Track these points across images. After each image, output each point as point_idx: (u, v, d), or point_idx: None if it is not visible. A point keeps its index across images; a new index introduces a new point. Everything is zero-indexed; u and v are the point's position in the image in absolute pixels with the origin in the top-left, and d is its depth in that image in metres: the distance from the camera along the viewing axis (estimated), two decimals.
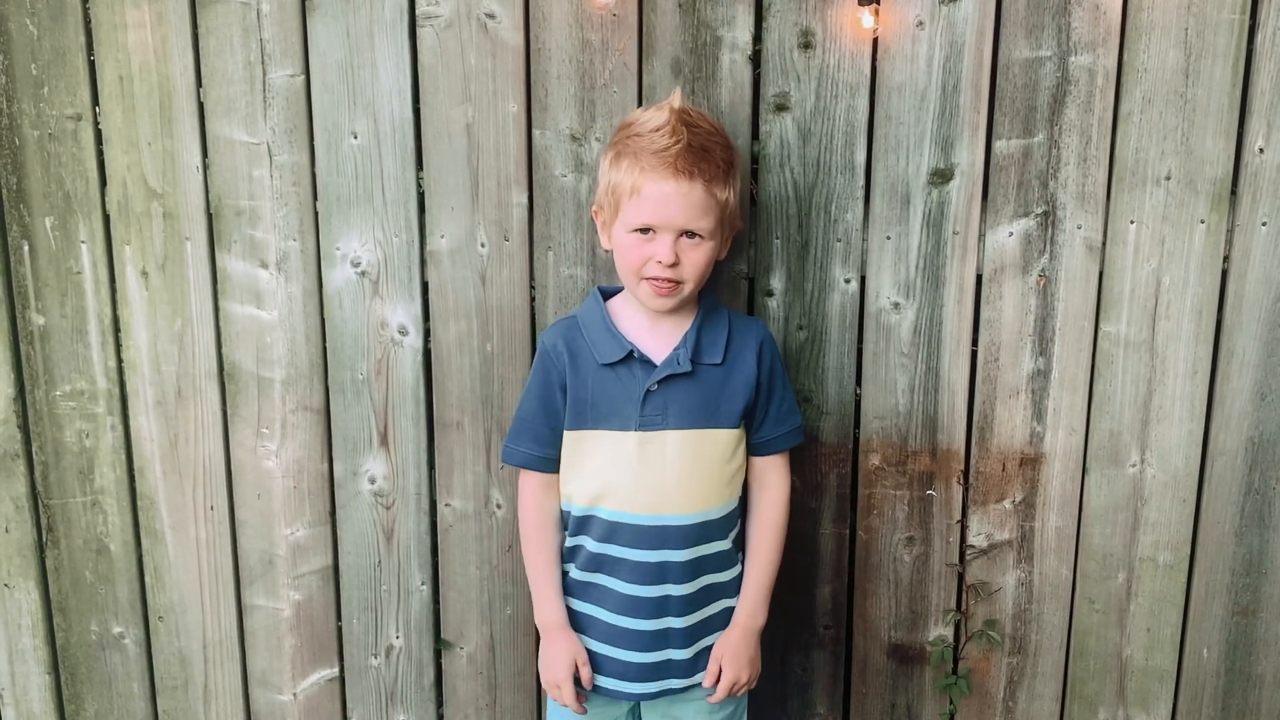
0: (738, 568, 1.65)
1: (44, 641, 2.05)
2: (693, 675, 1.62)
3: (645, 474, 1.55)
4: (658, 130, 1.48)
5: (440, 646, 1.97)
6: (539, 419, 1.61)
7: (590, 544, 1.60)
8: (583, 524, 1.60)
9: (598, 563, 1.60)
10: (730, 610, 1.63)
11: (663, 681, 1.61)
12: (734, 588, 1.64)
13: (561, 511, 1.64)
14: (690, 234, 1.50)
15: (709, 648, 1.62)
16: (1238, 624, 1.80)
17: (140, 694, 2.06)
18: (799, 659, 1.90)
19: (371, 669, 1.99)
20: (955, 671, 1.87)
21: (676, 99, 1.53)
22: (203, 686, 2.03)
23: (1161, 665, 1.83)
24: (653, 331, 1.58)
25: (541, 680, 1.65)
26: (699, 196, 1.48)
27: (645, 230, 1.49)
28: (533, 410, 1.62)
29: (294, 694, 2.01)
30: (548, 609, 1.63)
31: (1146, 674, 1.84)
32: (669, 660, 1.61)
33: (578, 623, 1.63)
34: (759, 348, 1.61)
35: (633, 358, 1.56)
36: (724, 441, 1.58)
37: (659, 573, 1.57)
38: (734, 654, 1.61)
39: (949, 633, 1.86)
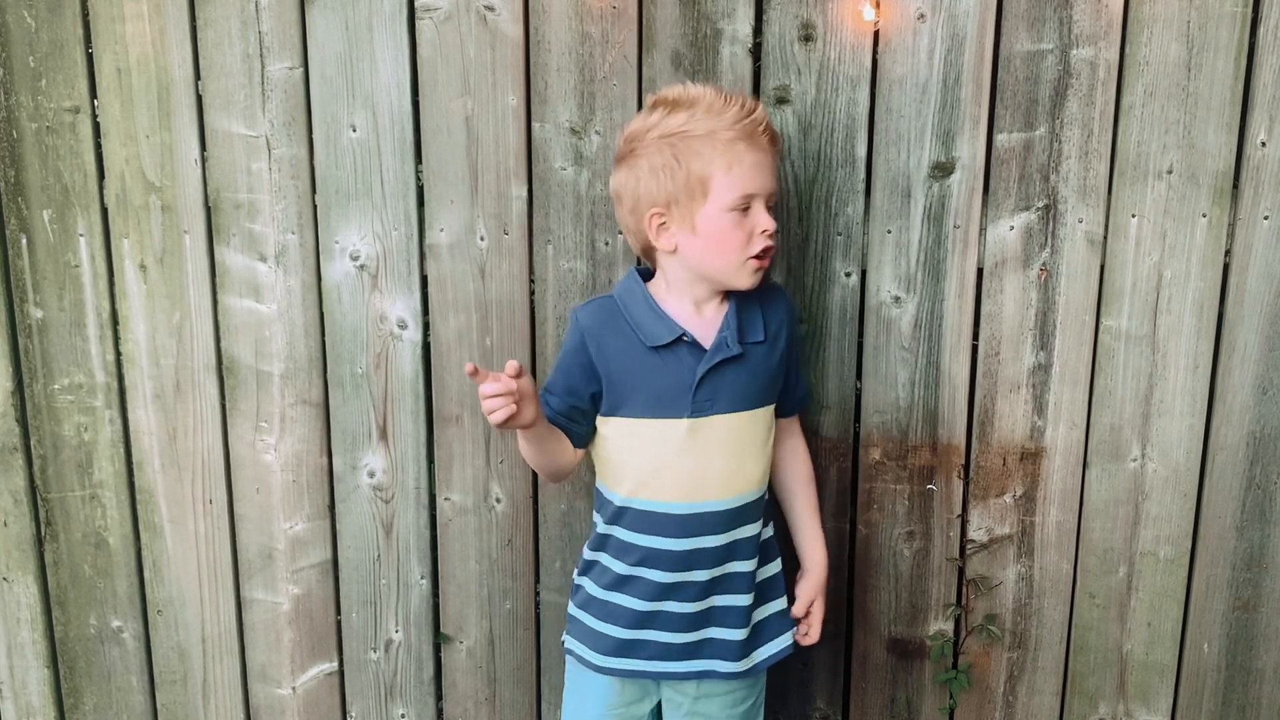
0: (765, 559, 1.63)
1: (43, 635, 2.05)
2: (707, 659, 1.59)
3: (690, 461, 1.52)
4: (726, 106, 1.45)
5: (440, 640, 1.96)
6: (561, 393, 1.55)
7: (624, 534, 1.55)
8: (620, 514, 1.56)
9: (643, 556, 1.55)
10: (744, 606, 1.59)
11: (704, 661, 1.59)
12: (752, 580, 1.61)
13: (600, 491, 1.60)
14: (771, 205, 1.49)
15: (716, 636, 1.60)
16: (1238, 619, 1.80)
17: (139, 688, 2.06)
18: (798, 653, 1.90)
19: (371, 663, 1.99)
20: (955, 666, 1.87)
21: (696, 86, 1.48)
22: (202, 680, 2.03)
23: (1162, 660, 1.83)
24: (698, 316, 1.53)
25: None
26: (777, 163, 1.51)
27: (743, 208, 1.45)
28: (563, 364, 1.56)
29: (293, 688, 2.01)
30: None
31: (1147, 669, 1.83)
32: (709, 639, 1.58)
33: (609, 612, 1.58)
34: (789, 316, 1.60)
35: (683, 341, 1.51)
36: (764, 419, 1.57)
37: (691, 560, 1.54)
38: (822, 591, 1.67)
39: (949, 627, 1.86)
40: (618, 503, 1.56)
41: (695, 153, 1.43)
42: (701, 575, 1.54)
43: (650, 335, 1.50)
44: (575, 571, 1.66)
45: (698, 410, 1.50)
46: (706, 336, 1.52)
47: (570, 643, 1.65)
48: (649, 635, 1.57)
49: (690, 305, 1.53)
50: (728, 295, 1.54)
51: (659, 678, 1.62)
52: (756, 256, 1.47)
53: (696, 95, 1.46)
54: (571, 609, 1.65)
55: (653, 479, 1.52)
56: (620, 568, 1.57)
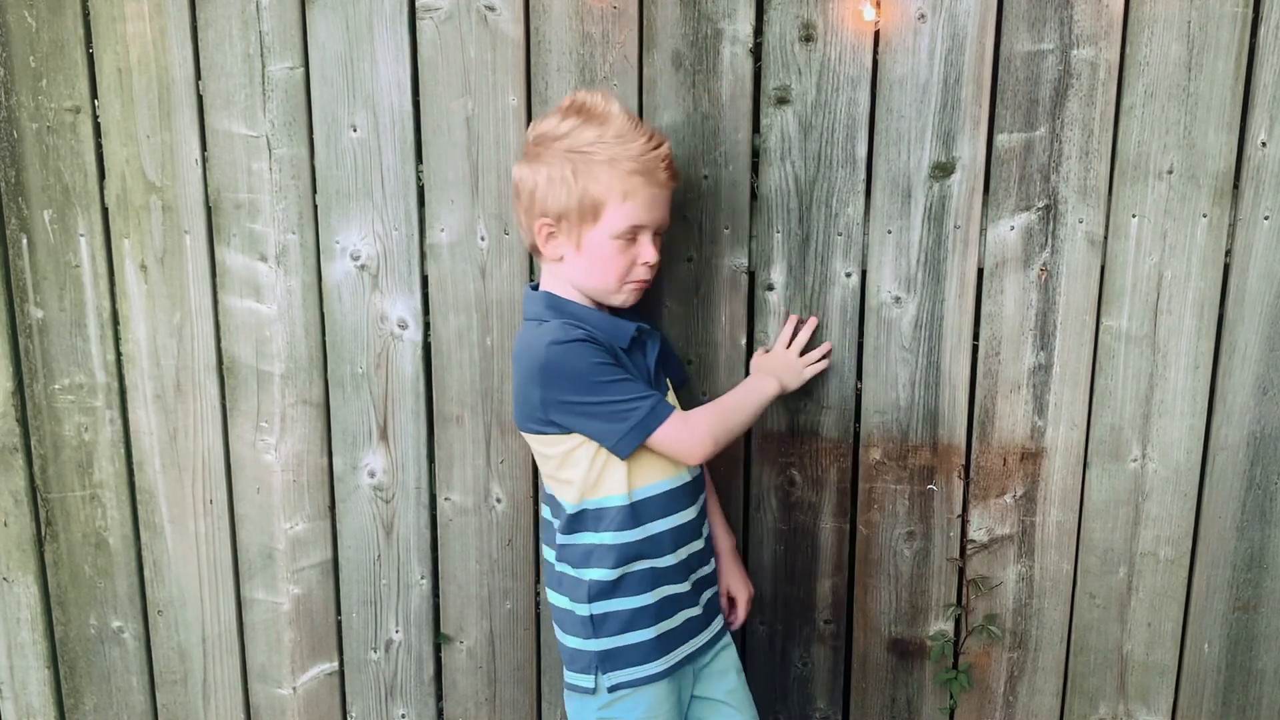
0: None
1: (43, 636, 2.05)
2: (710, 626, 1.66)
3: None
4: (635, 137, 1.48)
5: (440, 641, 1.96)
6: (627, 377, 1.51)
7: (660, 524, 1.55)
8: (645, 506, 1.54)
9: (678, 537, 1.57)
10: (713, 569, 1.68)
11: (712, 624, 1.66)
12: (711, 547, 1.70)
13: (593, 511, 1.55)
14: (656, 232, 1.55)
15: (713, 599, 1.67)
16: (1239, 619, 1.80)
17: (139, 688, 2.05)
18: (799, 653, 1.90)
19: (371, 663, 1.99)
20: (956, 666, 1.87)
21: (615, 104, 1.50)
22: (202, 681, 2.03)
23: (1162, 660, 1.83)
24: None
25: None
26: (670, 196, 1.55)
27: (630, 237, 1.51)
28: (616, 378, 1.50)
29: (293, 688, 2.01)
30: (760, 383, 1.67)
31: (1147, 669, 1.83)
32: (705, 604, 1.64)
33: (642, 615, 1.55)
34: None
35: (640, 334, 1.58)
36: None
37: (689, 531, 1.60)
38: (738, 575, 1.77)
39: (949, 627, 1.86)
40: (623, 503, 1.53)
41: (594, 176, 1.48)
42: (698, 544, 1.62)
43: (619, 337, 1.55)
44: (571, 601, 1.57)
45: (661, 391, 1.58)
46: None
47: (615, 677, 1.56)
48: (677, 619, 1.59)
49: (602, 306, 1.60)
50: None
51: (695, 656, 1.63)
52: (635, 281, 1.54)
53: (610, 115, 1.49)
54: (604, 643, 1.56)
55: (653, 464, 1.54)
56: (641, 565, 1.55)
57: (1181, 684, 1.84)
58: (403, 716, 2.00)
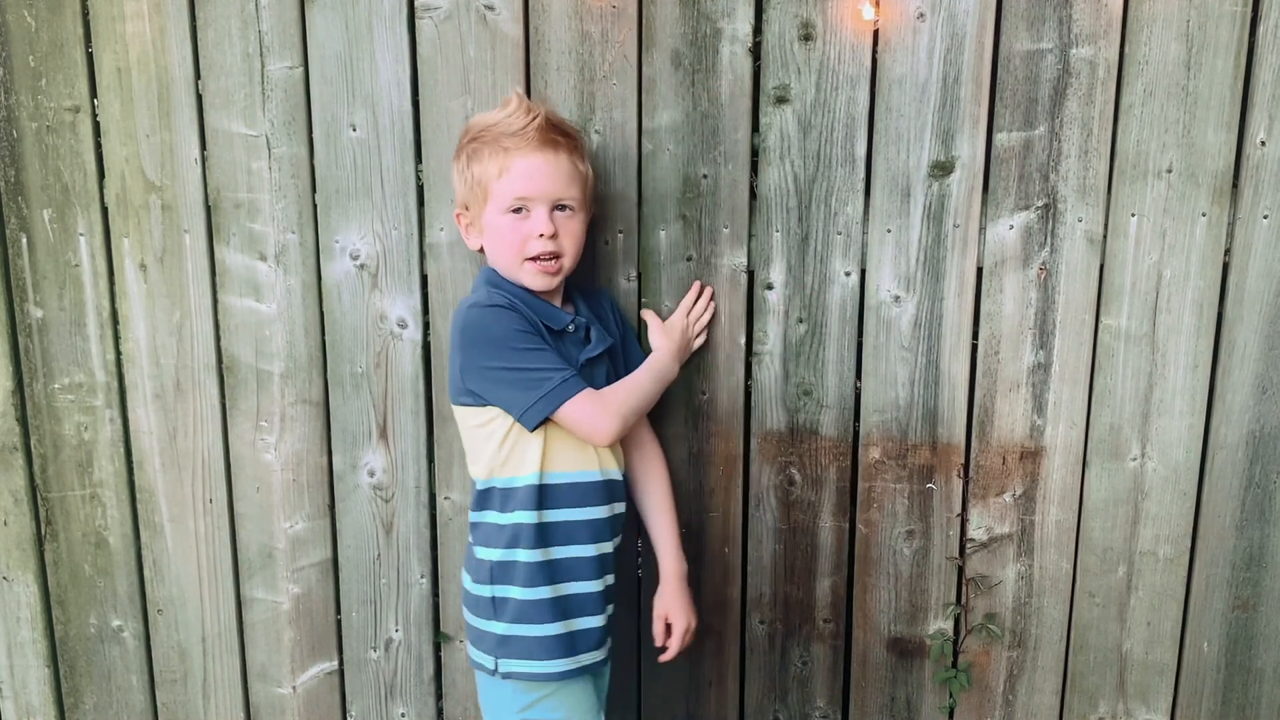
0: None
1: (43, 634, 2.05)
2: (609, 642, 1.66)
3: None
4: (511, 115, 1.53)
5: (440, 640, 1.96)
6: (545, 348, 1.52)
7: (558, 514, 1.55)
8: (551, 493, 1.55)
9: (569, 533, 1.56)
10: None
11: (607, 645, 1.66)
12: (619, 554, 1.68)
13: (501, 490, 1.57)
14: (561, 206, 1.55)
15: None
16: (1238, 618, 1.80)
17: (139, 687, 2.06)
18: (798, 652, 1.90)
19: (371, 662, 1.99)
20: (955, 665, 1.87)
21: (516, 96, 1.56)
22: (202, 679, 2.04)
23: (1162, 659, 1.83)
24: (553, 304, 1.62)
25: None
26: (565, 166, 1.55)
27: (518, 210, 1.53)
28: (533, 346, 1.51)
29: (293, 687, 2.02)
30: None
31: (1147, 668, 1.83)
32: (609, 621, 1.65)
33: (545, 611, 1.56)
34: (613, 309, 1.73)
35: (568, 331, 1.59)
36: None
37: (611, 528, 1.62)
38: (680, 604, 1.69)
39: (949, 626, 1.86)
40: (532, 482, 1.53)
41: (480, 159, 1.54)
42: (608, 547, 1.61)
43: (554, 320, 1.57)
44: (473, 581, 1.60)
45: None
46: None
47: (511, 665, 1.57)
48: (583, 622, 1.59)
49: (541, 296, 1.60)
50: (569, 294, 1.65)
51: (598, 668, 1.64)
52: (536, 259, 1.54)
53: (507, 103, 1.55)
54: (503, 628, 1.57)
55: (567, 451, 1.55)
56: (538, 555, 1.55)
57: (1181, 683, 1.84)
58: (402, 716, 2.00)
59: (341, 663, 2.00)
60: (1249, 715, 1.84)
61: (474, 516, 1.62)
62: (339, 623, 1.98)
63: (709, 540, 1.86)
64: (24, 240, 1.87)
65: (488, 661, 1.59)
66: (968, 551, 1.82)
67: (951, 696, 1.89)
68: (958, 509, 1.81)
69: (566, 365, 1.53)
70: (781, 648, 1.90)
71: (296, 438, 1.90)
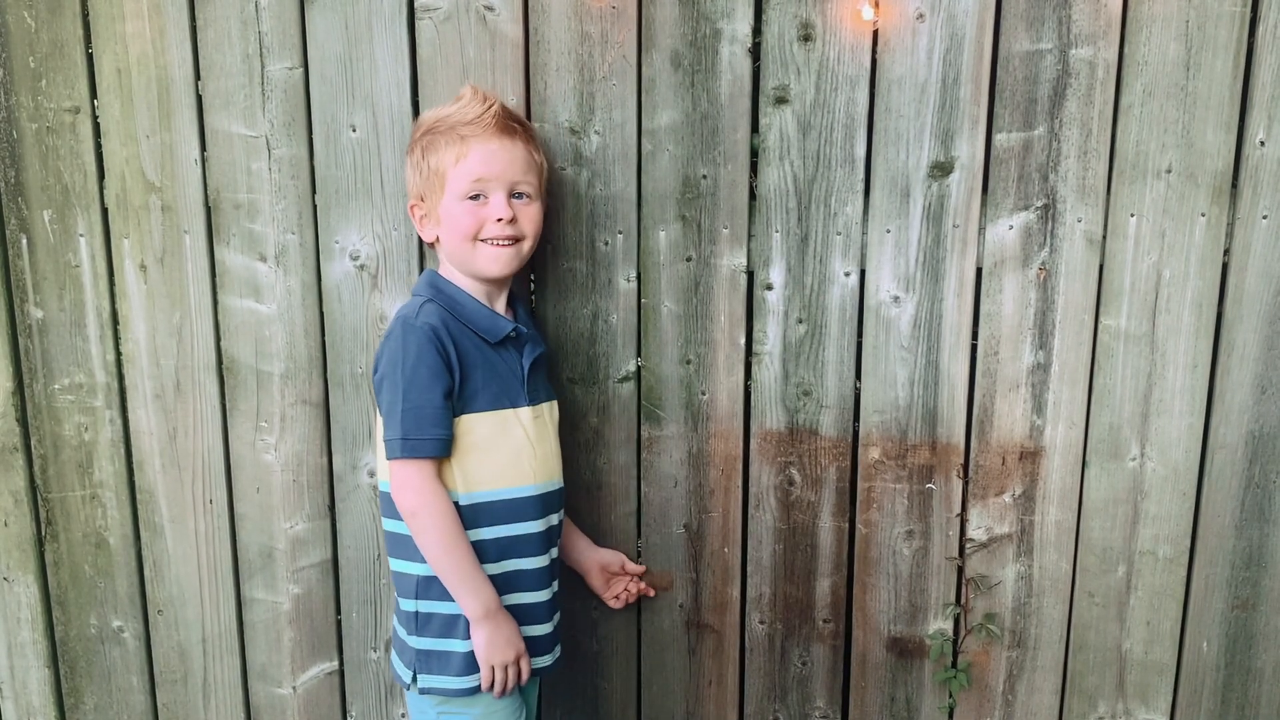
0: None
1: (43, 635, 2.05)
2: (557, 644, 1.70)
3: (541, 445, 1.61)
4: (467, 105, 1.56)
5: None
6: (439, 402, 1.51)
7: (490, 531, 1.56)
8: (481, 511, 1.55)
9: (505, 548, 1.58)
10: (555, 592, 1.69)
11: (557, 649, 1.69)
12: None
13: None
14: (519, 194, 1.57)
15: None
16: (1237, 618, 1.80)
17: (140, 687, 2.06)
18: (798, 652, 1.90)
19: (371, 662, 1.99)
20: (955, 665, 1.87)
21: (469, 88, 1.59)
22: (202, 680, 2.04)
23: (1161, 659, 1.83)
24: (496, 310, 1.63)
25: (493, 665, 1.55)
26: (522, 154, 1.58)
27: (476, 197, 1.55)
28: (430, 392, 1.50)
29: (293, 687, 2.02)
30: (487, 592, 1.54)
31: (1146, 667, 1.84)
32: (556, 628, 1.68)
33: (447, 625, 1.57)
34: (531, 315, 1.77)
35: (514, 335, 1.60)
36: (558, 411, 1.72)
37: (548, 540, 1.64)
38: (604, 549, 1.84)
39: (948, 626, 1.86)
40: (478, 499, 1.55)
41: (435, 149, 1.55)
42: (546, 560, 1.63)
43: (490, 331, 1.58)
44: (398, 595, 1.62)
45: (532, 399, 1.60)
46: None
47: (427, 680, 1.58)
48: (530, 630, 1.61)
49: (484, 298, 1.61)
50: (511, 295, 1.65)
51: (545, 671, 1.68)
52: (489, 239, 1.55)
53: (460, 96, 1.58)
54: (425, 642, 1.58)
55: (515, 466, 1.57)
56: (496, 568, 1.58)
57: (1180, 682, 1.84)
58: (402, 716, 2.00)
59: (341, 663, 2.00)
60: (1248, 715, 1.84)
61: (394, 526, 1.59)
62: (339, 623, 1.98)
63: (709, 540, 1.86)
64: (24, 241, 1.87)
65: (405, 675, 1.62)
66: (967, 551, 1.82)
67: (951, 696, 1.89)
68: (957, 509, 1.81)
69: (445, 430, 1.51)
70: (781, 648, 1.90)
71: (296, 438, 1.90)
